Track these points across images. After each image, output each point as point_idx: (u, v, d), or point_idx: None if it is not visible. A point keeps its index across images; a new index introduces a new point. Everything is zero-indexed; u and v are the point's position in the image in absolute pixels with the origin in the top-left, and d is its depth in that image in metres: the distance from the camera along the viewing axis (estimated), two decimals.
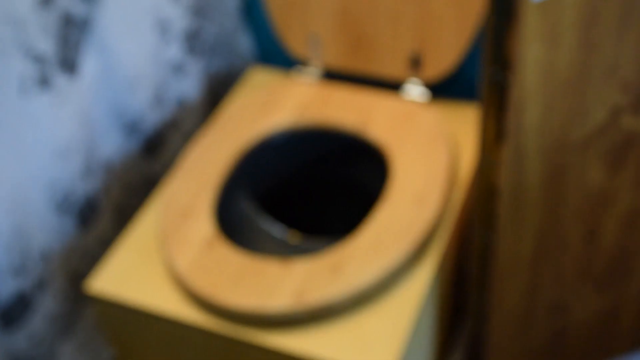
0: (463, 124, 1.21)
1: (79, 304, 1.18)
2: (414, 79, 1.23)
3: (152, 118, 1.27)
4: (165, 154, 1.34)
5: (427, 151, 1.12)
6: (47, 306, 1.11)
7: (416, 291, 0.99)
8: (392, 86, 1.27)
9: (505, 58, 0.87)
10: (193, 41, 1.33)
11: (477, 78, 1.27)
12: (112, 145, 1.23)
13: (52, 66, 1.05)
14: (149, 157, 1.31)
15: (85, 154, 1.15)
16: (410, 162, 1.11)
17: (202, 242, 1.03)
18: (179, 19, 1.28)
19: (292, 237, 1.22)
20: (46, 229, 1.10)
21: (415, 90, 1.23)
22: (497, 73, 0.88)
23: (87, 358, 1.22)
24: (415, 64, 1.21)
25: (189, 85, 1.34)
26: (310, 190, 1.30)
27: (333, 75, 1.31)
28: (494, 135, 0.93)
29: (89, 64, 1.12)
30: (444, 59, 1.19)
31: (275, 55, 1.41)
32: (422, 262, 1.02)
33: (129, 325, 1.05)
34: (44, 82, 1.04)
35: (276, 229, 1.21)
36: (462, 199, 1.11)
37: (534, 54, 0.86)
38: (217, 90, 1.46)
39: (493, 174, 0.96)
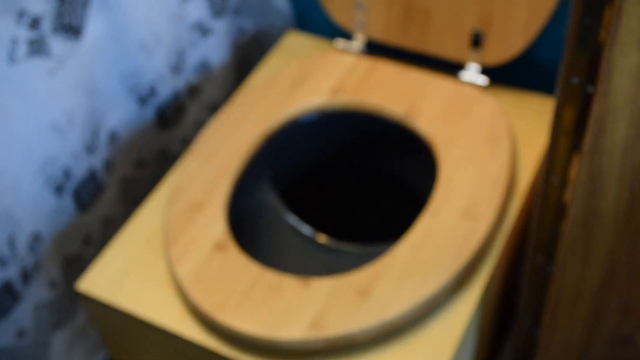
0: (524, 118, 1.03)
1: (75, 290, 1.06)
2: (473, 62, 1.05)
3: (169, 86, 1.12)
4: (185, 127, 1.19)
5: (483, 150, 0.95)
6: (37, 294, 0.98)
7: (455, 324, 0.84)
8: (446, 67, 1.09)
9: (591, 61, 0.69)
10: None
11: (544, 65, 1.09)
12: (123, 116, 1.08)
13: (50, 29, 0.90)
14: (164, 130, 1.16)
15: (90, 127, 1.01)
16: (463, 163, 0.94)
17: (211, 246, 0.89)
18: None
19: (320, 237, 1.07)
20: (40, 212, 0.97)
21: (472, 75, 1.05)
22: (578, 78, 0.70)
23: (83, 348, 1.11)
24: (476, 44, 1.03)
25: (213, 49, 1.18)
26: (341, 184, 1.15)
27: (379, 50, 1.13)
28: (567, 151, 0.76)
29: (95, 25, 0.97)
30: (510, 42, 1.01)
31: (315, 21, 1.24)
32: (465, 289, 0.87)
33: (123, 330, 0.92)
34: (39, 47, 0.89)
35: (302, 226, 1.06)
36: (518, 213, 0.94)
37: (629, 60, 0.68)
38: (246, 56, 1.30)
39: (562, 194, 0.80)
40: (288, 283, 0.85)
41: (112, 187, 1.10)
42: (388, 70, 1.07)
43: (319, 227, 1.06)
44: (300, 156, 1.09)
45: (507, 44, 1.01)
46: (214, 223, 0.91)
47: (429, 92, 1.03)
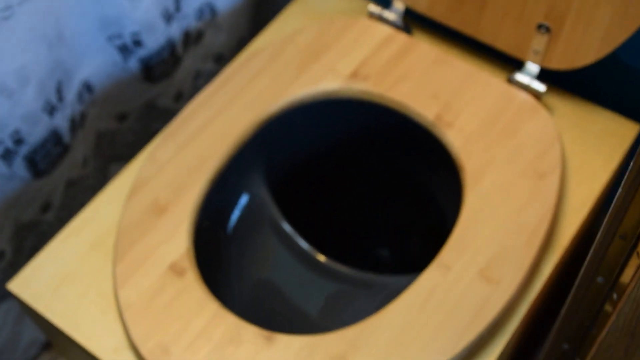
0: (585, 142, 0.82)
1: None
2: (532, 63, 0.83)
3: (160, 34, 0.92)
4: (179, 79, 1.01)
5: (524, 186, 0.75)
6: None
7: None
8: (499, 60, 0.88)
9: None
10: None
11: (625, 76, 0.86)
12: (99, 67, 0.90)
13: None
14: (152, 83, 0.97)
15: (54, 82, 0.83)
16: (495, 200, 0.74)
17: (166, 267, 0.72)
18: None
19: (319, 255, 0.88)
20: None
21: (528, 78, 0.83)
22: None
23: (32, 323, 0.98)
24: (541, 42, 0.81)
25: None
26: (347, 189, 0.95)
27: (420, 23, 0.91)
28: (621, 255, 0.56)
29: None
30: (585, 48, 0.78)
31: None
32: None
33: (55, 335, 0.78)
34: None
35: (299, 239, 0.88)
36: (551, 272, 0.75)
37: None
38: (257, 8, 1.08)
39: (606, 296, 0.61)
40: (249, 335, 0.68)
41: (83, 145, 0.93)
42: (426, 54, 0.85)
43: (317, 240, 0.88)
44: (299, 151, 0.90)
45: (581, 50, 0.79)
46: (177, 235, 0.74)
47: (471, 92, 0.82)
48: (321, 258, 0.85)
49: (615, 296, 0.58)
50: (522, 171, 0.76)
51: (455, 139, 0.79)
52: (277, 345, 0.68)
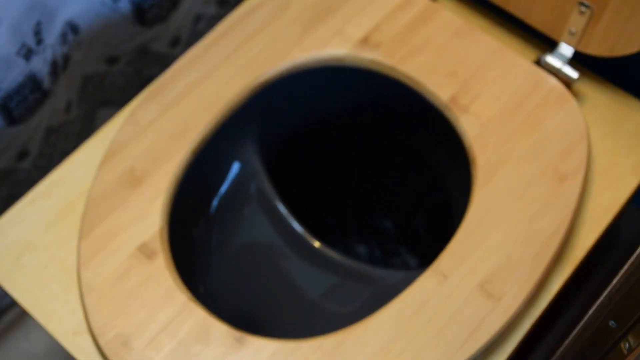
0: (616, 139, 0.73)
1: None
2: (567, 44, 0.73)
3: None
4: (176, 24, 0.92)
5: (543, 188, 0.67)
6: None
7: None
8: (529, 36, 0.78)
9: None
10: None
11: None
12: (85, 7, 0.81)
13: None
14: (145, 26, 0.89)
15: (31, 23, 0.75)
16: (506, 202, 0.66)
17: (136, 247, 0.66)
18: None
19: (314, 240, 0.80)
20: None
21: (560, 61, 0.73)
22: None
23: None
24: (579, 22, 0.71)
25: None
26: (347, 167, 0.87)
27: None
28: None
29: None
30: (629, 36, 0.68)
31: None
32: None
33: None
34: None
35: (293, 221, 0.80)
36: (561, 286, 0.67)
37: None
38: None
39: (618, 340, 0.53)
40: (218, 334, 0.62)
41: (67, 89, 0.86)
42: (448, 23, 0.75)
43: (312, 218, 0.80)
44: (297, 122, 0.81)
45: (624, 36, 0.69)
46: (150, 212, 0.67)
47: (493, 73, 0.73)
48: (316, 244, 0.77)
49: (628, 344, 0.50)
50: (541, 171, 0.68)
51: (470, 126, 0.70)
52: (248, 348, 0.61)
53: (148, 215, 0.67)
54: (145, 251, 0.65)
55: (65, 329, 0.66)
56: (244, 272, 0.77)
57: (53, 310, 0.66)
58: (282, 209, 0.77)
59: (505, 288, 0.63)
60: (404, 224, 0.99)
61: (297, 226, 0.77)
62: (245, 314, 0.78)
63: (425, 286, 0.63)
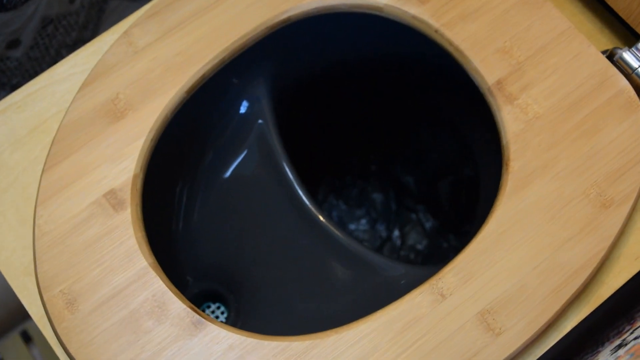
0: None
1: None
2: None
3: None
4: None
5: (582, 212, 0.57)
6: None
7: None
8: (609, 22, 0.65)
9: None
10: None
11: None
12: None
13: None
14: None
15: None
16: (534, 221, 0.56)
17: (103, 193, 0.58)
18: None
19: (318, 212, 0.69)
20: None
21: (638, 62, 0.61)
22: None
23: None
24: None
25: None
26: (368, 121, 0.76)
27: None
28: None
29: None
30: None
31: None
32: None
33: None
34: None
35: (299, 184, 0.69)
36: (577, 323, 0.58)
37: None
38: None
39: None
40: (175, 312, 0.55)
41: None
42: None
43: (329, 160, 0.69)
44: (314, 69, 0.70)
45: None
46: (127, 154, 0.59)
47: (556, 59, 0.61)
48: (320, 217, 0.67)
49: None
50: (583, 191, 0.57)
51: (512, 120, 0.59)
52: (203, 336, 0.54)
53: (124, 157, 0.59)
54: (112, 200, 0.57)
55: (15, 266, 0.59)
56: (232, 231, 0.69)
57: (5, 241, 0.60)
58: (290, 173, 0.67)
59: (508, 323, 0.54)
60: (426, 185, 0.89)
61: (302, 194, 0.67)
62: (227, 273, 0.71)
63: (419, 303, 0.55)
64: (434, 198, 0.90)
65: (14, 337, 0.97)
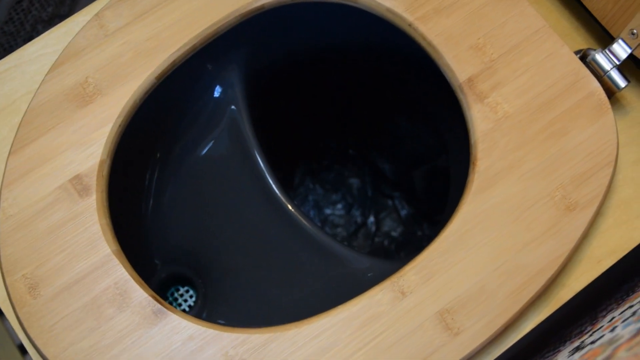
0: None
1: None
2: (624, 45, 0.60)
3: None
4: None
5: (545, 210, 0.57)
6: None
7: None
8: (585, 21, 0.64)
9: None
10: None
11: None
12: None
13: None
14: None
15: None
16: (498, 223, 0.57)
17: (69, 178, 0.57)
18: None
19: (288, 202, 0.69)
20: None
21: (610, 64, 0.60)
22: None
23: None
24: None
25: None
26: (344, 108, 0.76)
27: None
28: None
29: None
30: None
31: None
32: None
33: None
34: None
35: (270, 173, 0.68)
36: (536, 325, 0.59)
37: None
38: None
39: None
40: (137, 300, 0.55)
41: None
42: None
43: (307, 142, 0.69)
44: (287, 57, 0.70)
45: None
46: (94, 139, 0.58)
47: (528, 58, 0.60)
48: (289, 206, 0.67)
49: None
50: (549, 193, 0.57)
51: (481, 120, 0.59)
52: (164, 325, 0.54)
53: (91, 143, 0.58)
54: (77, 185, 0.57)
55: None
56: (202, 217, 0.69)
57: None
58: (261, 161, 0.67)
59: (466, 323, 0.55)
60: (402, 173, 0.89)
61: (273, 182, 0.67)
62: (196, 258, 0.71)
63: (379, 300, 0.55)
64: (410, 186, 0.90)
65: None
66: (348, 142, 0.91)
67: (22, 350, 0.99)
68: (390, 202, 0.92)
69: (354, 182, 0.93)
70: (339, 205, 0.93)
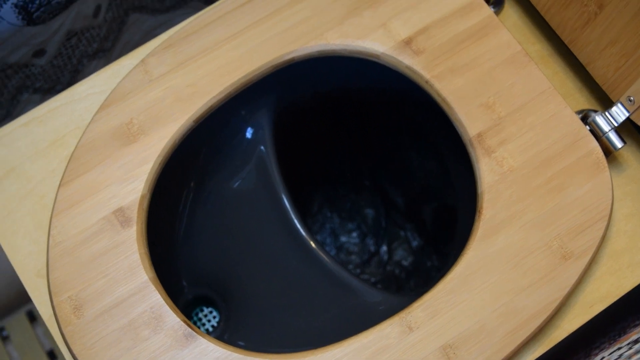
0: (639, 217, 0.67)
1: None
2: (622, 109, 0.65)
3: None
4: None
5: (542, 258, 0.62)
6: None
7: None
8: (588, 83, 0.70)
9: None
10: None
11: None
12: None
13: None
14: None
15: None
16: (501, 264, 0.62)
17: (112, 210, 0.64)
18: None
19: (310, 238, 0.76)
20: None
21: (608, 126, 0.66)
22: None
23: None
24: None
25: None
26: (360, 145, 0.82)
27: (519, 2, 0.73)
28: None
29: None
30: None
31: None
32: None
33: None
34: None
35: (294, 211, 0.75)
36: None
37: None
38: None
39: None
40: (170, 324, 0.61)
41: None
42: (503, 46, 0.68)
43: (324, 171, 0.75)
44: (311, 106, 0.76)
45: None
46: (136, 176, 0.65)
47: (533, 117, 0.66)
48: (312, 244, 0.73)
49: None
50: (546, 243, 0.63)
51: (488, 172, 0.65)
52: (193, 348, 0.60)
53: (133, 178, 0.65)
54: (120, 217, 0.64)
55: (29, 268, 0.65)
56: (228, 246, 0.75)
57: (21, 244, 0.66)
58: (286, 200, 0.73)
59: (467, 358, 0.60)
60: (414, 207, 0.95)
61: (296, 220, 0.73)
62: (221, 282, 0.77)
63: (388, 333, 0.61)
64: (421, 218, 0.95)
65: (20, 316, 1.04)
66: (363, 174, 0.97)
67: (51, 356, 1.06)
68: (402, 233, 0.97)
69: (369, 212, 0.99)
70: (354, 234, 0.99)
